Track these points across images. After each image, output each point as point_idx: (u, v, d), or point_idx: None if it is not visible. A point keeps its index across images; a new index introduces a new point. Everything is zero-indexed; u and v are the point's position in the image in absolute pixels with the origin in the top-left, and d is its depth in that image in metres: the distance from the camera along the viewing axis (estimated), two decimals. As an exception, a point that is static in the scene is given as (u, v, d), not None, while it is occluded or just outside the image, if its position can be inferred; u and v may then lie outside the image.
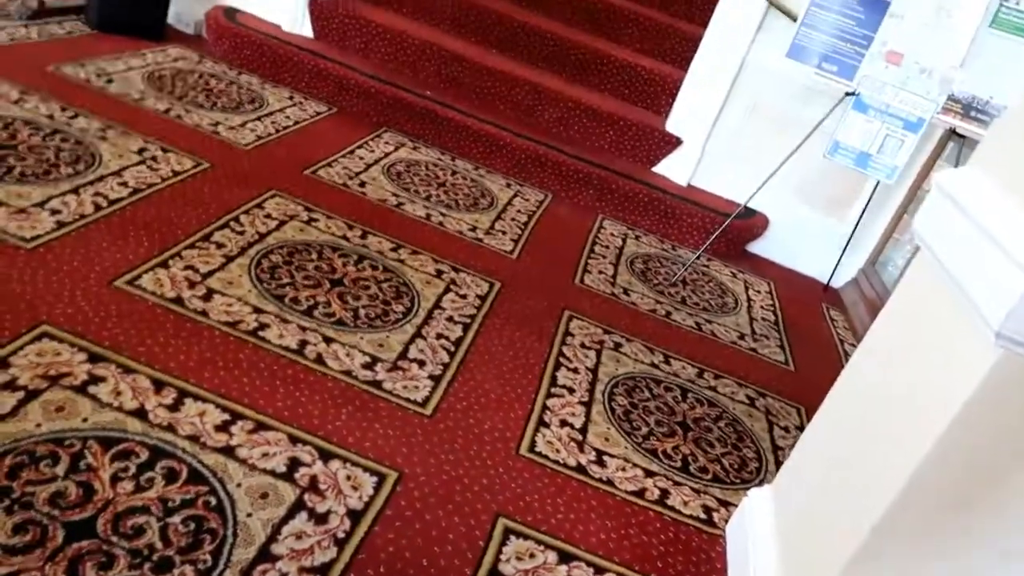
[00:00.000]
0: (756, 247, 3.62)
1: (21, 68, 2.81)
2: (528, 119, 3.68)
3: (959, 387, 1.16)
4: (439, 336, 2.17)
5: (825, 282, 3.55)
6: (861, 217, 3.42)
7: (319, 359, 1.90)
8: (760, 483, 2.05)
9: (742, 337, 2.80)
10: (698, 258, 3.25)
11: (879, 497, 1.26)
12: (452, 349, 2.14)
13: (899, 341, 1.47)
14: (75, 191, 2.21)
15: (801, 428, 2.37)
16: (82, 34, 3.33)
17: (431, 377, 1.99)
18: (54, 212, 2.09)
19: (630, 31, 4.05)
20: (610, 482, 1.87)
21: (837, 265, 3.49)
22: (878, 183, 3.29)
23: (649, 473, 1.95)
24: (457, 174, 3.29)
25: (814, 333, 3.07)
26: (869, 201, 3.39)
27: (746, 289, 3.22)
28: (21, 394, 1.51)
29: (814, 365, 2.79)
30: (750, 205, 3.36)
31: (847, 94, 2.85)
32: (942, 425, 1.17)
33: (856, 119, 2.86)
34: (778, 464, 2.15)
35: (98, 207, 2.18)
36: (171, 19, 3.71)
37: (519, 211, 3.16)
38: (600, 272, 2.90)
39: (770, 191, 3.31)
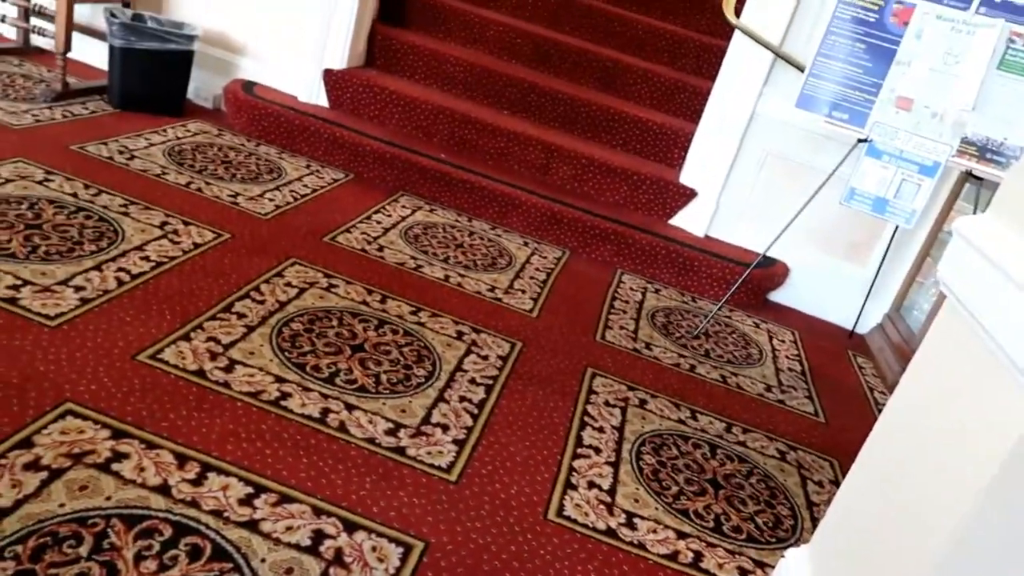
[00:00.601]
0: (778, 296, 3.59)
1: (46, 148, 2.89)
2: (542, 177, 3.72)
3: (996, 440, 1.12)
4: (462, 399, 2.15)
5: (850, 329, 3.51)
6: (882, 262, 3.39)
7: (342, 427, 1.89)
8: (796, 542, 1.99)
9: (769, 389, 2.76)
10: (719, 309, 3.22)
11: (922, 558, 1.21)
12: (475, 412, 2.11)
13: (932, 392, 1.44)
14: (98, 267, 2.24)
15: (836, 482, 2.30)
16: (105, 113, 3.43)
17: (455, 441, 1.97)
18: (78, 289, 2.12)
19: (639, 87, 4.12)
20: (642, 545, 1.82)
21: (861, 311, 3.45)
22: (897, 227, 3.28)
23: (681, 535, 1.89)
24: (474, 235, 3.31)
25: (842, 382, 3.01)
26: (889, 246, 3.36)
27: (770, 339, 3.18)
28: (45, 474, 1.50)
29: (845, 415, 2.73)
30: (769, 254, 3.35)
31: (860, 141, 2.86)
32: (983, 480, 1.13)
33: (871, 165, 2.86)
34: (814, 521, 2.09)
35: (121, 282, 2.21)
36: (190, 94, 3.82)
37: (537, 269, 3.17)
38: (621, 327, 2.88)
39: (788, 239, 3.30)
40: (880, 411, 2.81)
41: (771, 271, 3.48)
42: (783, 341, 3.20)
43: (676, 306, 3.23)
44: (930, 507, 1.27)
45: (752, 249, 3.54)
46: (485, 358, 2.39)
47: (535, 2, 4.45)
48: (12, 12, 3.78)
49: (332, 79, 3.78)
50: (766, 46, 3.33)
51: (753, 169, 3.53)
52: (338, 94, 3.81)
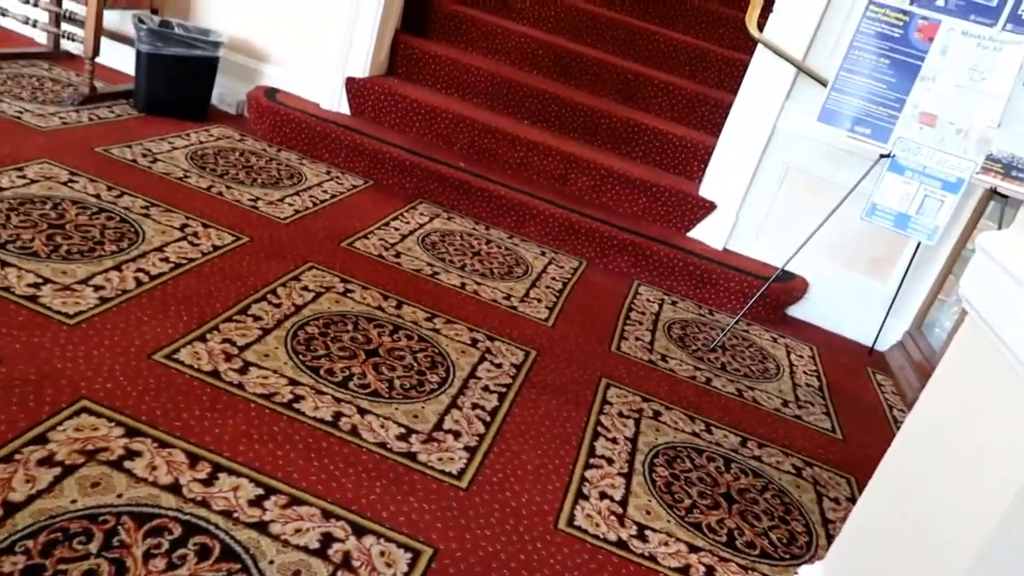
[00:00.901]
0: (796, 311, 3.56)
1: (71, 150, 2.93)
2: (561, 188, 3.72)
3: (1019, 456, 1.09)
4: (474, 406, 2.14)
5: (869, 345, 3.46)
6: (904, 279, 3.35)
7: (354, 431, 1.88)
8: (811, 559, 1.95)
9: (786, 404, 2.72)
10: (737, 323, 3.19)
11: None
12: (488, 419, 2.10)
13: (952, 408, 1.41)
14: (118, 267, 2.27)
15: (852, 499, 2.26)
16: (130, 117, 3.48)
17: (466, 448, 1.96)
18: (97, 288, 2.14)
19: (660, 100, 4.11)
20: (653, 558, 1.79)
21: (881, 328, 3.41)
22: (919, 244, 3.24)
23: (693, 548, 1.87)
24: (491, 243, 3.31)
25: (861, 399, 2.97)
26: (911, 262, 3.32)
27: (788, 354, 3.14)
28: (58, 470, 1.51)
29: (862, 432, 2.69)
30: (788, 268, 3.32)
31: (882, 156, 2.83)
32: (1006, 496, 1.10)
33: (893, 181, 2.82)
34: (829, 538, 2.05)
35: (139, 283, 2.23)
36: (214, 100, 3.86)
37: (553, 278, 3.16)
38: (637, 339, 2.86)
39: (808, 253, 3.27)
40: (899, 429, 2.77)
41: (790, 285, 3.45)
42: (801, 356, 3.16)
43: (693, 319, 3.21)
44: (950, 524, 1.25)
45: (771, 263, 3.51)
46: (499, 366, 2.38)
47: (557, 14, 4.47)
48: (43, 17, 3.85)
49: (354, 87, 3.81)
50: (789, 60, 3.31)
51: (773, 183, 3.51)
52: (360, 102, 3.84)
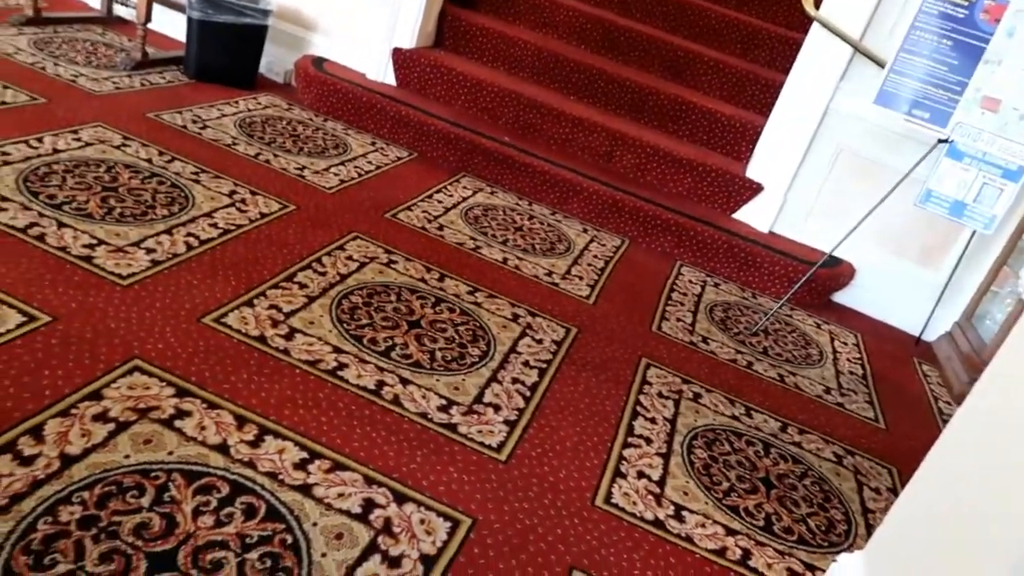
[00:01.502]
0: (842, 297, 3.49)
1: (124, 115, 2.98)
2: (605, 165, 3.69)
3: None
4: (515, 381, 2.15)
5: (917, 335, 3.39)
6: (956, 268, 3.26)
7: (396, 400, 1.91)
8: (849, 547, 1.93)
9: (828, 391, 2.69)
10: (781, 307, 3.15)
11: (992, 570, 1.17)
12: (527, 394, 2.11)
13: (1007, 402, 1.38)
14: (169, 231, 2.31)
15: (894, 490, 2.23)
16: (180, 83, 3.52)
17: (506, 422, 1.97)
18: (149, 251, 2.18)
19: (709, 77, 4.03)
20: (689, 539, 1.79)
21: (930, 317, 3.33)
22: (974, 233, 3.15)
23: (730, 531, 1.86)
24: (534, 219, 3.30)
25: (905, 389, 2.91)
26: (964, 251, 3.23)
27: (831, 340, 3.09)
28: (112, 426, 1.56)
29: (906, 423, 2.65)
30: (835, 253, 3.25)
31: (940, 141, 2.75)
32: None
33: (950, 167, 2.74)
34: (869, 528, 2.03)
35: (190, 247, 2.27)
36: (262, 69, 3.89)
37: (595, 256, 3.14)
38: (678, 320, 2.84)
39: (857, 239, 3.21)
40: (945, 421, 2.72)
41: (836, 271, 3.39)
42: (845, 343, 3.11)
43: (736, 301, 3.17)
44: (1000, 520, 1.22)
45: (818, 248, 3.45)
46: (540, 341, 2.38)
47: (607, -13, 4.40)
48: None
49: (400, 58, 3.80)
50: (846, 40, 3.22)
51: (824, 166, 3.43)
52: (406, 73, 3.83)
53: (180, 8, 3.78)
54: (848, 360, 2.97)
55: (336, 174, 3.09)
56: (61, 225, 2.16)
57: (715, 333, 2.83)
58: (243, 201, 2.63)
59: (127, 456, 1.50)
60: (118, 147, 2.71)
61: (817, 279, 3.25)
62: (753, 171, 3.57)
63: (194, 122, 3.13)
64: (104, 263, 2.06)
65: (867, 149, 3.35)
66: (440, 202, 3.15)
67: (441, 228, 2.93)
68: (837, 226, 3.29)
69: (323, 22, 3.94)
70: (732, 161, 3.73)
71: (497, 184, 3.53)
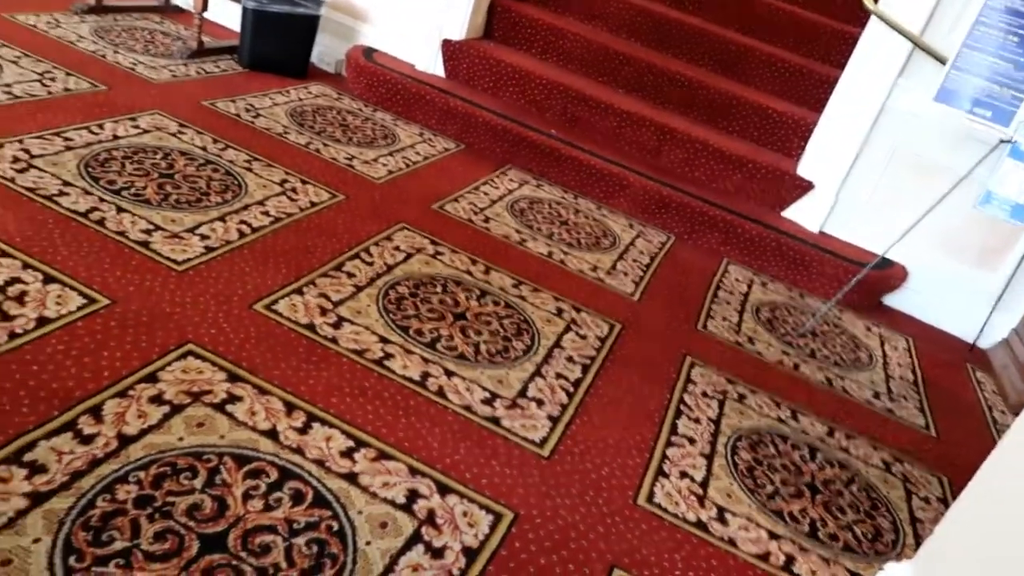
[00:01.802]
0: (893, 300, 3.41)
1: (180, 103, 3.04)
2: (653, 160, 3.65)
3: None
4: (558, 376, 2.15)
5: (971, 342, 3.29)
6: (1014, 273, 3.16)
7: (440, 392, 1.92)
8: (897, 557, 1.90)
9: (877, 396, 2.63)
10: (829, 309, 3.09)
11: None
12: (571, 390, 2.11)
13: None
14: (222, 218, 2.36)
15: (944, 500, 2.18)
16: (234, 72, 3.58)
17: (549, 417, 1.97)
18: (203, 238, 2.23)
19: (760, 72, 3.96)
20: (732, 542, 1.78)
21: (985, 323, 3.24)
22: (1035, 237, 3.05)
23: (774, 535, 1.84)
24: (579, 212, 3.29)
25: (958, 396, 2.84)
26: (1024, 256, 3.13)
27: (881, 344, 3.03)
28: (167, 408, 1.60)
29: (958, 431, 2.58)
30: (888, 255, 3.18)
31: (1002, 141, 2.66)
32: None
33: (1013, 168, 2.65)
34: (917, 538, 1.99)
35: (242, 234, 2.31)
36: (314, 58, 3.93)
37: (641, 252, 3.12)
38: (724, 319, 2.80)
39: (910, 241, 3.12)
40: (999, 431, 2.65)
41: (888, 273, 3.31)
42: (896, 348, 3.04)
43: (783, 301, 3.12)
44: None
45: (869, 249, 3.37)
46: (584, 337, 2.38)
47: (659, -21, 4.34)
48: (157, -29, 3.99)
49: (450, 49, 3.81)
50: (905, 35, 3.14)
51: (878, 164, 3.35)
52: (455, 64, 3.84)
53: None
54: (899, 365, 2.91)
55: (384, 164, 3.11)
56: (120, 210, 2.22)
57: (761, 333, 2.79)
58: (294, 190, 2.67)
59: (181, 438, 1.54)
60: (174, 134, 2.76)
61: (868, 281, 3.18)
62: (804, 169, 3.50)
63: (247, 111, 3.18)
64: (160, 248, 2.11)
65: (924, 148, 3.26)
66: (486, 194, 3.16)
67: (487, 220, 2.93)
68: (890, 226, 3.21)
69: (374, 13, 3.97)
70: (783, 158, 3.66)
71: (543, 177, 3.53)
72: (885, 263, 3.26)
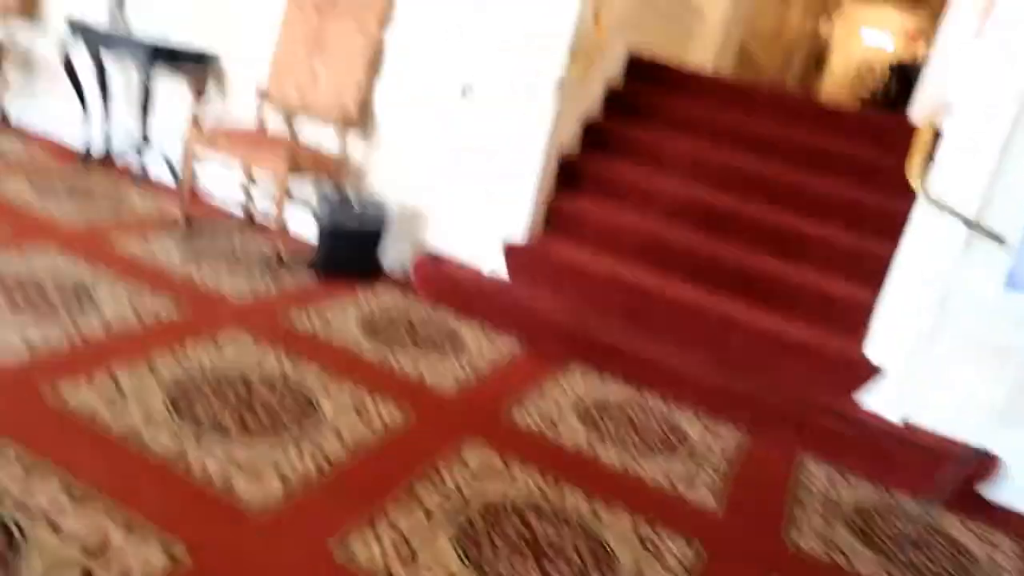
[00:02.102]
0: (992, 491, 3.19)
1: (259, 321, 3.20)
2: (716, 351, 3.63)
3: None
4: (643, 615, 2.04)
5: (1082, 536, 3.04)
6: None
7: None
8: None
9: (991, 616, 2.42)
10: (926, 514, 2.90)
11: None
12: (657, 632, 2.00)
13: None
14: (298, 449, 2.39)
15: None
16: (309, 283, 3.78)
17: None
18: (283, 478, 2.24)
19: (817, 254, 4.00)
20: None
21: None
22: None
23: None
24: (647, 411, 3.25)
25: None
26: None
27: (982, 545, 2.81)
28: None
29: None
30: (973, 443, 3.02)
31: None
32: None
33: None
34: None
35: (320, 470, 2.33)
36: (383, 262, 4.13)
37: (710, 448, 3.04)
38: (811, 528, 2.66)
39: (997, 425, 2.97)
40: None
41: (981, 463, 3.13)
42: (1007, 553, 2.82)
43: (871, 502, 2.96)
44: None
45: (951, 435, 3.21)
46: (662, 559, 2.28)
47: (704, 169, 4.50)
48: (237, 190, 4.33)
49: (512, 252, 3.95)
50: (956, 215, 3.09)
51: (947, 346, 3.24)
52: (516, 264, 3.98)
53: (310, 205, 4.13)
54: (1007, 572, 2.68)
55: (452, 373, 3.17)
56: (201, 447, 2.28)
57: (856, 546, 2.62)
58: (366, 409, 2.72)
59: None
60: (254, 358, 2.88)
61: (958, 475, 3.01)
62: (871, 352, 3.44)
63: (321, 324, 3.32)
64: (242, 492, 2.13)
65: (997, 330, 3.16)
66: (555, 400, 3.16)
67: (555, 426, 2.93)
68: (973, 409, 3.08)
69: (438, 220, 4.17)
70: (847, 341, 3.60)
71: (607, 372, 3.53)
72: (976, 453, 3.10)
